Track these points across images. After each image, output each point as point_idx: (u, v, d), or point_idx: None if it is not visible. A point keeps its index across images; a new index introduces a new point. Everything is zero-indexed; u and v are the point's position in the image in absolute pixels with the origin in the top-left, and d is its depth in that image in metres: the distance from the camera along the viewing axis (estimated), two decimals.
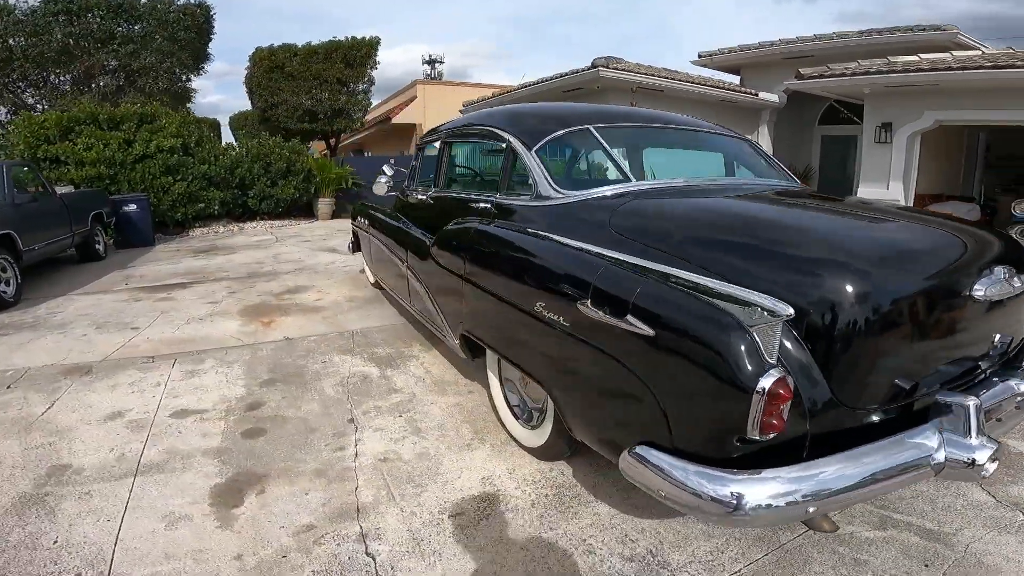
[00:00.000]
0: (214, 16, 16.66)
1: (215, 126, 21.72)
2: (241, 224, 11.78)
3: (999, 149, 10.98)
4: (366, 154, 23.52)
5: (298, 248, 8.88)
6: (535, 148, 2.74)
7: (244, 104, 23.14)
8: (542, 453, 2.56)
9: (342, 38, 16.07)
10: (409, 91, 21.54)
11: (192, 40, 16.25)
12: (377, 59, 16.80)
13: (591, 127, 2.82)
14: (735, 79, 11.15)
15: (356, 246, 6.20)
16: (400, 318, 4.89)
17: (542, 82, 9.53)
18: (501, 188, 2.91)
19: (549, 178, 2.62)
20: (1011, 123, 7.47)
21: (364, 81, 17.09)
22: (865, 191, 8.61)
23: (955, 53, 8.35)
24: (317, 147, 19.68)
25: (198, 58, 17.20)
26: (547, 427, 2.44)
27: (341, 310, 5.15)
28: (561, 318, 2.04)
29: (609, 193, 2.50)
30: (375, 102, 20.65)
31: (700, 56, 11.05)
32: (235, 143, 12.54)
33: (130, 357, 3.97)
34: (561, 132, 2.80)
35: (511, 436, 2.76)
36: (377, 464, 2.58)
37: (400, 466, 2.57)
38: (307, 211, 13.08)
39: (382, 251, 4.55)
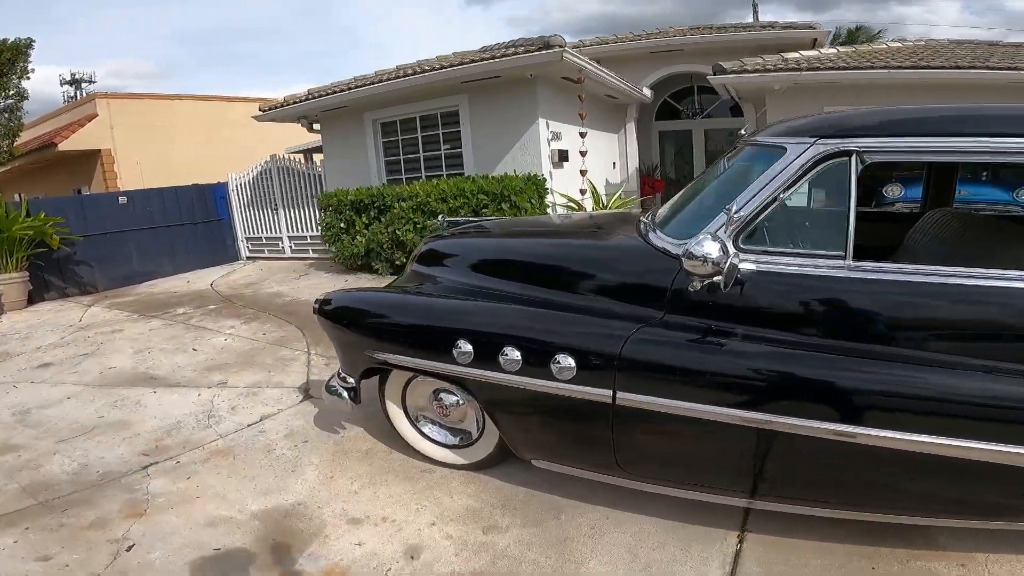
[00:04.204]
0: None
1: None
2: None
3: None
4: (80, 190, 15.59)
5: (61, 389, 4.28)
6: None
7: None
8: None
9: None
10: (83, 107, 15.04)
11: None
12: (30, 66, 11.19)
13: None
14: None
15: (357, 391, 2.78)
16: None
17: (421, 71, 6.67)
18: None
19: None
20: None
21: (9, 95, 11.22)
22: None
23: (821, 51, 8.69)
24: None
25: None
26: None
27: None
28: None
29: None
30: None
31: None
32: None
33: None
34: None
35: None
36: None
37: None
38: None
39: None
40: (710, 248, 1.74)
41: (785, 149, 1.91)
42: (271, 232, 9.81)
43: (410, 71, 6.90)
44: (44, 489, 2.73)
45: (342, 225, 7.65)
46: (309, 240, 9.38)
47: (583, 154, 6.83)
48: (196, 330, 5.73)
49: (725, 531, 2.12)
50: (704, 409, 1.82)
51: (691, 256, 1.76)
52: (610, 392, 1.94)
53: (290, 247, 9.64)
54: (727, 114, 10.69)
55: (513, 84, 6.69)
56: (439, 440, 2.73)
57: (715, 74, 7.78)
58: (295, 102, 8.11)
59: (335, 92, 7.57)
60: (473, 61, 6.31)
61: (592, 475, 2.23)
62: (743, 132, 2.83)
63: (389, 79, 6.97)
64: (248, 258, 10.15)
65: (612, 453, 2.05)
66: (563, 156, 7.17)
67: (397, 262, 7.14)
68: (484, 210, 6.29)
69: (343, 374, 2.81)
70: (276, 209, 9.63)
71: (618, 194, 7.28)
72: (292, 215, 9.49)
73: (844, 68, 7.04)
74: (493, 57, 6.15)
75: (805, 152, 1.86)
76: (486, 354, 2.15)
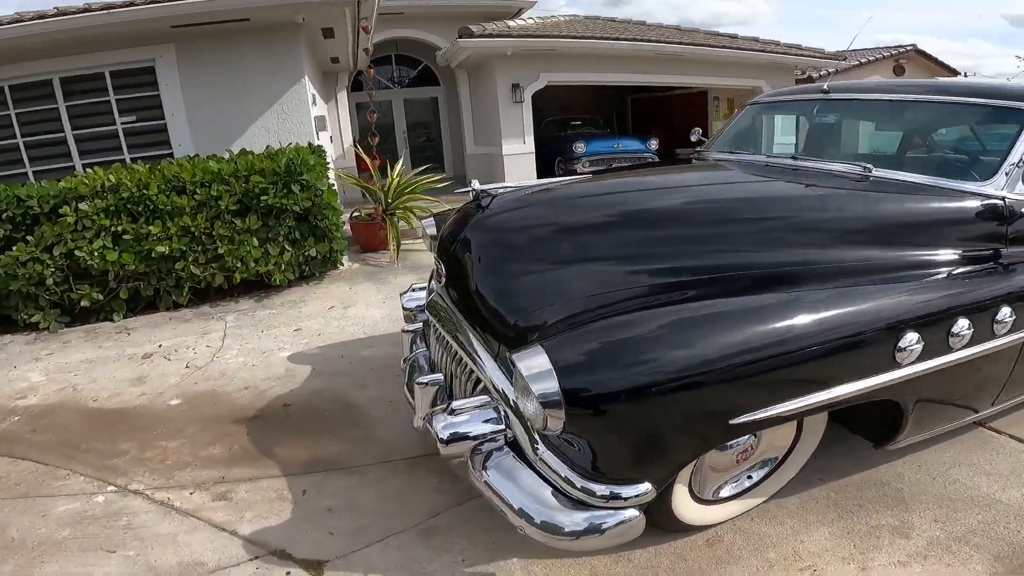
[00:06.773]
0: None
1: None
2: None
3: None
4: None
5: None
6: None
7: None
8: None
9: None
10: None
11: None
12: None
13: None
14: None
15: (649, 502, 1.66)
16: None
17: (104, 8, 4.37)
18: None
19: None
20: (596, 82, 9.42)
21: None
22: (508, 147, 8.94)
23: (526, 19, 9.41)
24: None
25: None
26: None
27: None
28: None
29: None
30: None
31: None
32: None
33: None
34: None
35: None
36: None
37: None
38: None
39: None
40: None
41: None
42: None
43: (77, 8, 4.49)
44: None
45: None
46: None
47: (372, 115, 5.71)
48: None
49: None
50: None
51: None
52: None
53: None
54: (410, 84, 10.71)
55: (267, 31, 5.02)
56: (732, 494, 1.98)
57: (461, 37, 7.65)
58: None
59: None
60: None
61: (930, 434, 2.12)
62: (826, 88, 2.77)
63: (25, 21, 4.40)
64: None
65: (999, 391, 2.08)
66: (321, 124, 5.90)
67: (84, 302, 4.37)
68: (263, 197, 4.71)
69: (597, 484, 1.54)
70: None
71: (399, 170, 6.38)
72: None
73: (582, 37, 7.92)
74: None
75: None
76: (935, 339, 1.78)
